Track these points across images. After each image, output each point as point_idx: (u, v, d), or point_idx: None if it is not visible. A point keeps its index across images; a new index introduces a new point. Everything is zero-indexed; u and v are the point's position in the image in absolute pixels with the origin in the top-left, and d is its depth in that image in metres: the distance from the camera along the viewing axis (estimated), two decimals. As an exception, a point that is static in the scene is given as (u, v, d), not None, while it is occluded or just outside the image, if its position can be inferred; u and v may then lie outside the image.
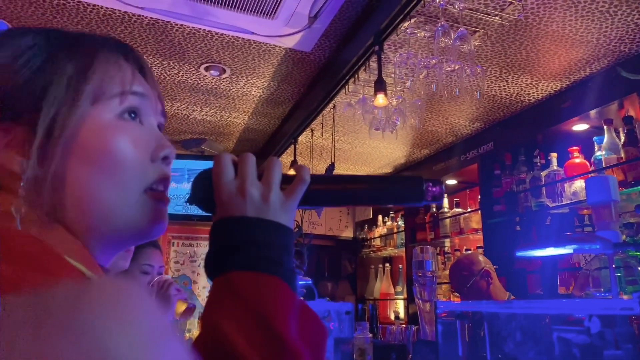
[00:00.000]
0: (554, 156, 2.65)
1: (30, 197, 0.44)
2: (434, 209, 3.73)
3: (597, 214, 0.96)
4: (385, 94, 1.95)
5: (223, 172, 0.52)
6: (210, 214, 0.55)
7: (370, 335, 1.32)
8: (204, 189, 0.53)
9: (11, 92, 0.45)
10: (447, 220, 3.53)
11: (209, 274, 0.50)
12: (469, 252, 2.46)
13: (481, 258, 2.25)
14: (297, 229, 2.58)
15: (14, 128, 0.45)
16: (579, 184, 2.45)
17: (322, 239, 4.75)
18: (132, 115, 0.50)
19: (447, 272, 3.51)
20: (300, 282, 2.09)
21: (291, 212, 0.52)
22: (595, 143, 2.42)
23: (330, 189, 0.57)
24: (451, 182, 3.74)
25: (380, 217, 4.55)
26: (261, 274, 0.47)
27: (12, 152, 0.45)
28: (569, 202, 2.51)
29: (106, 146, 0.47)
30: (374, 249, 4.57)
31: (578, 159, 2.52)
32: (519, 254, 0.88)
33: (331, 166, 2.61)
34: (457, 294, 2.23)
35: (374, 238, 4.56)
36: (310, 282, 2.05)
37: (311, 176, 0.54)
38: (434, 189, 0.55)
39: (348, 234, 4.94)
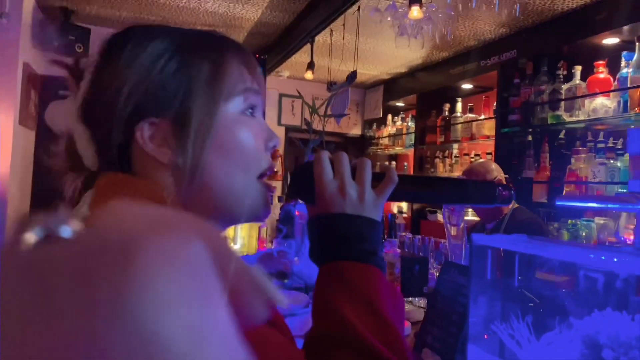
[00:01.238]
0: (578, 69, 2.62)
1: (174, 181, 0.51)
2: (447, 113, 3.75)
3: (634, 164, 1.03)
4: (421, 6, 1.88)
5: (324, 173, 0.59)
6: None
7: (399, 250, 1.46)
8: (306, 186, 0.60)
9: (154, 91, 0.51)
10: (459, 125, 3.58)
11: (315, 262, 0.60)
12: (483, 160, 2.54)
13: (494, 167, 2.31)
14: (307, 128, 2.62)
15: (158, 122, 0.51)
16: (600, 101, 2.47)
17: (331, 136, 4.82)
18: (250, 110, 0.56)
19: (454, 173, 3.66)
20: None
21: (381, 208, 0.61)
22: (623, 59, 2.39)
23: (413, 190, 0.65)
24: (467, 86, 3.71)
25: (389, 117, 4.58)
26: (364, 265, 0.57)
27: (159, 144, 0.51)
28: (586, 117, 2.54)
29: (236, 139, 0.54)
30: (382, 147, 4.67)
31: (602, 74, 2.50)
32: (559, 203, 0.96)
33: (353, 74, 2.57)
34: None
35: (382, 137, 4.64)
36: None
37: (401, 178, 0.61)
38: (504, 192, 0.62)
39: (356, 131, 5.00)
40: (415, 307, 1.67)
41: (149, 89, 0.51)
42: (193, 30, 0.57)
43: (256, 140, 0.56)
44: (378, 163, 4.82)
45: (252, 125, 0.56)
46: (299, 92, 2.52)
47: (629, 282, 0.88)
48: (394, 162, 4.59)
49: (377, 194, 0.60)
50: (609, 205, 0.85)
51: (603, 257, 0.89)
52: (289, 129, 4.72)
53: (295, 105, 4.67)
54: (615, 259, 0.87)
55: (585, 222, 2.72)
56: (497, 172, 2.28)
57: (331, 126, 4.94)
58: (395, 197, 0.62)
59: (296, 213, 2.30)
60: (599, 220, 2.50)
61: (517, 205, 2.33)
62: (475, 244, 1.17)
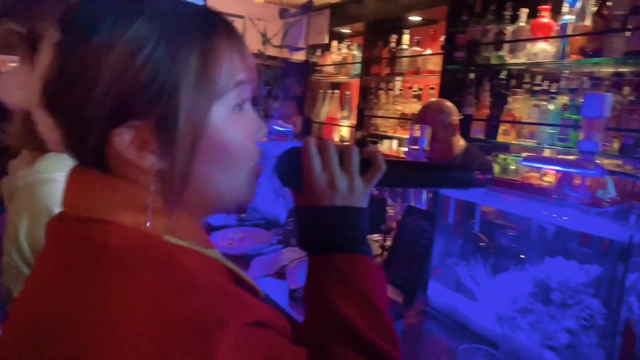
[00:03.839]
0: (523, 12, 2.70)
1: (158, 189, 0.47)
2: (393, 44, 3.75)
3: (587, 125, 1.14)
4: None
5: (313, 165, 0.58)
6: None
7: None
8: (294, 175, 0.60)
9: (137, 88, 0.44)
10: (405, 58, 3.61)
11: (307, 251, 0.61)
12: (439, 100, 2.55)
13: (452, 108, 2.35)
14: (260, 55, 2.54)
15: (140, 125, 0.45)
16: (541, 46, 2.60)
17: (272, 60, 4.66)
18: (239, 106, 0.52)
19: (397, 106, 3.76)
20: (279, 129, 2.19)
21: (368, 195, 0.62)
22: (567, 5, 2.49)
23: (399, 176, 0.66)
24: (415, 18, 3.70)
25: (335, 44, 4.49)
26: (355, 255, 0.58)
27: (140, 148, 0.46)
28: (527, 60, 2.67)
29: (226, 141, 0.50)
30: (326, 75, 4.62)
31: (545, 18, 2.60)
32: (523, 163, 1.05)
33: (309, 3, 2.46)
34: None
35: (327, 65, 4.57)
36: (291, 129, 2.16)
37: (388, 163, 0.62)
38: (481, 177, 0.66)
39: (300, 56, 4.87)
40: (371, 241, 1.79)
41: (128, 89, 0.43)
42: (178, 6, 0.48)
43: (246, 137, 0.53)
44: (321, 90, 4.79)
45: (242, 122, 0.52)
46: (252, 22, 2.38)
47: (576, 234, 1.02)
48: (337, 91, 4.58)
49: (365, 182, 0.60)
50: (570, 170, 0.96)
51: (555, 215, 1.01)
52: (229, 51, 4.49)
53: (237, 26, 4.41)
54: (565, 217, 0.99)
55: (514, 158, 2.97)
56: (454, 115, 2.33)
57: (274, 50, 4.77)
58: (380, 184, 0.64)
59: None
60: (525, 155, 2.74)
61: (466, 144, 2.43)
62: (439, 194, 1.26)
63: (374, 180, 0.61)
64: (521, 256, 1.10)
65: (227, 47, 0.49)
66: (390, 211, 1.81)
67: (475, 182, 0.66)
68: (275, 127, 2.15)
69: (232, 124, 0.50)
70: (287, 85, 5.20)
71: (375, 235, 1.75)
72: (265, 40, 2.26)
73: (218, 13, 0.50)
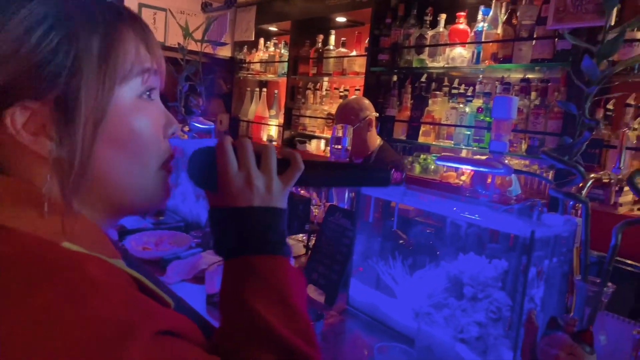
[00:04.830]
0: (442, 17, 2.83)
1: (56, 179, 0.44)
2: (320, 44, 3.77)
3: (496, 126, 1.20)
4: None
5: (229, 164, 0.56)
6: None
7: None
8: (208, 175, 0.57)
9: (30, 67, 0.42)
10: (332, 59, 3.64)
11: (222, 255, 0.58)
12: (357, 97, 2.64)
13: (368, 104, 2.46)
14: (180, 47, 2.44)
15: (37, 107, 0.43)
16: (458, 51, 2.73)
17: (197, 56, 4.51)
18: (147, 93, 0.51)
19: (324, 106, 3.78)
20: (201, 126, 2.11)
21: (287, 195, 0.61)
22: (481, 13, 2.64)
23: (317, 176, 0.66)
24: (341, 19, 3.75)
25: (262, 41, 4.43)
26: (273, 257, 0.57)
27: (36, 132, 0.43)
28: (445, 64, 2.80)
29: (132, 129, 0.48)
30: (253, 72, 4.55)
31: (462, 25, 2.74)
32: (438, 162, 1.08)
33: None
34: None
35: (254, 62, 4.51)
36: (213, 126, 2.09)
37: (305, 164, 0.62)
38: (396, 174, 0.73)
39: (226, 52, 4.76)
40: (295, 241, 1.78)
41: (22, 65, 0.42)
42: None
43: (155, 127, 0.52)
44: (248, 89, 4.71)
45: (150, 111, 0.51)
46: (172, 15, 2.28)
47: (486, 231, 1.06)
48: (265, 89, 4.53)
49: (283, 182, 0.59)
50: (480, 169, 1.00)
51: (466, 214, 1.04)
52: (150, 45, 4.28)
53: (158, 18, 4.22)
54: (476, 216, 1.03)
55: (434, 158, 3.10)
56: (369, 110, 2.43)
57: (197, 46, 4.62)
58: (298, 183, 0.63)
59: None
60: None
61: (381, 142, 2.53)
62: (361, 193, 1.27)
63: (292, 179, 0.60)
64: (437, 253, 1.13)
65: (132, 34, 0.48)
66: (316, 211, 1.80)
67: (391, 180, 0.69)
68: (196, 125, 2.06)
69: (139, 111, 0.49)
70: (213, 82, 5.06)
71: (300, 235, 1.74)
72: (187, 34, 2.17)
73: (124, 6, 0.50)
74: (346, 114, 2.38)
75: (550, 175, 2.17)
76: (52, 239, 0.41)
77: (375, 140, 2.48)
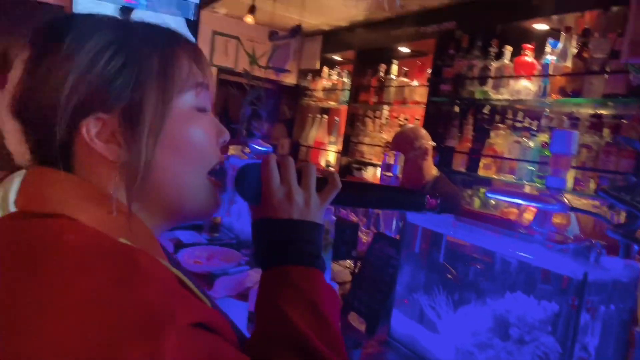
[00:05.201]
0: (508, 49, 2.77)
1: (123, 181, 0.50)
2: (382, 73, 3.81)
3: (554, 161, 1.15)
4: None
5: (272, 178, 0.61)
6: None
7: (334, 217, 1.53)
8: (253, 188, 0.62)
9: (100, 85, 0.48)
10: (393, 88, 3.66)
11: (261, 263, 0.62)
12: (413, 125, 2.63)
13: (424, 134, 2.42)
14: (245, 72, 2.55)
15: (106, 118, 0.49)
16: (523, 83, 2.65)
17: (264, 82, 4.71)
18: (201, 109, 0.56)
19: (383, 134, 3.79)
20: (259, 148, 2.19)
21: (324, 212, 0.64)
22: (548, 45, 2.55)
23: (353, 195, 0.69)
24: (404, 49, 3.77)
25: (326, 70, 4.55)
26: (309, 268, 0.60)
27: (107, 140, 0.49)
28: (510, 97, 2.72)
29: (188, 136, 0.54)
30: (315, 99, 4.66)
31: (528, 57, 2.66)
32: (489, 195, 1.06)
33: (297, 27, 2.50)
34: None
35: (317, 90, 4.62)
36: (271, 149, 2.16)
37: (342, 183, 0.65)
38: (432, 200, 0.69)
39: (291, 80, 4.92)
40: (342, 267, 1.77)
41: (94, 83, 0.48)
42: (139, 23, 0.54)
43: (208, 136, 0.56)
44: (310, 115, 4.82)
45: (204, 121, 0.56)
46: (240, 42, 2.41)
47: (538, 270, 1.01)
48: (325, 116, 4.62)
49: (321, 199, 0.63)
50: (532, 203, 0.96)
51: (518, 252, 1.00)
52: (221, 70, 4.53)
53: (230, 45, 4.46)
54: (526, 254, 0.98)
55: (494, 192, 2.99)
56: (425, 140, 2.39)
57: (261, 72, 4.84)
58: (336, 202, 0.66)
59: (229, 165, 2.27)
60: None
61: (439, 173, 2.47)
62: (408, 222, 1.25)
63: (329, 197, 0.64)
64: (483, 289, 1.08)
65: (186, 55, 0.54)
66: (364, 238, 1.79)
67: (426, 205, 0.69)
68: (255, 147, 2.14)
69: (194, 120, 0.54)
70: (277, 107, 5.24)
71: (348, 261, 1.73)
72: (253, 61, 2.28)
73: (179, 32, 0.56)
74: (401, 142, 2.36)
75: (623, 218, 2.02)
76: (110, 234, 0.46)
77: (431, 170, 2.43)
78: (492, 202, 2.92)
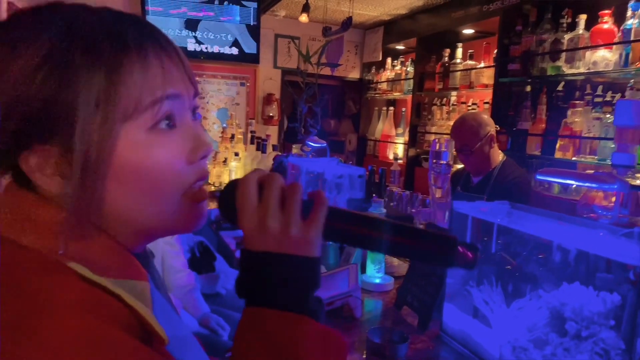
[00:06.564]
0: (582, 18, 2.52)
1: (70, 214, 0.44)
2: (446, 58, 3.65)
3: (619, 135, 1.02)
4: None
5: (247, 200, 0.50)
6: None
7: (385, 210, 1.49)
8: (231, 210, 0.51)
9: (34, 113, 0.43)
10: (458, 72, 3.50)
11: (240, 298, 0.52)
12: (475, 112, 2.46)
13: (487, 119, 2.25)
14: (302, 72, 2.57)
15: (47, 149, 0.44)
16: (601, 53, 2.40)
17: (328, 79, 4.72)
18: (166, 122, 0.48)
19: (450, 122, 3.63)
20: (314, 145, 2.19)
21: (314, 241, 0.50)
22: (630, 9, 2.29)
23: (354, 231, 0.52)
24: (468, 31, 3.59)
25: (389, 61, 4.46)
26: (287, 314, 0.48)
27: (50, 172, 0.44)
28: (586, 70, 2.48)
29: (142, 165, 0.46)
30: (380, 92, 4.59)
31: (607, 24, 2.40)
32: (539, 177, 0.96)
33: (348, 20, 2.47)
34: (459, 152, 2.31)
35: (381, 82, 4.54)
36: (325, 144, 2.15)
37: (334, 212, 0.52)
38: (468, 253, 0.49)
39: (354, 74, 4.89)
40: (403, 261, 1.72)
41: (27, 111, 0.42)
42: (89, 19, 0.45)
43: (172, 158, 0.48)
44: (376, 108, 4.76)
45: (165, 143, 0.47)
46: (293, 41, 2.43)
47: (598, 258, 0.90)
48: (392, 108, 4.53)
49: (307, 225, 0.50)
50: (586, 184, 0.86)
51: (573, 240, 0.90)
52: (285, 72, 4.62)
53: (292, 46, 4.53)
54: (585, 241, 0.89)
55: (576, 175, 2.74)
56: (489, 126, 2.23)
57: (328, 69, 4.84)
58: (332, 237, 0.53)
59: (289, 164, 2.30)
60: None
61: (504, 157, 2.29)
62: (456, 211, 1.19)
63: (317, 220, 0.50)
64: (539, 281, 1.00)
65: (141, 62, 0.45)
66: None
67: (456, 258, 0.49)
68: (311, 144, 2.15)
69: (153, 145, 0.46)
70: (342, 103, 5.22)
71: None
72: (306, 59, 2.29)
73: (135, 21, 0.47)
74: (464, 133, 2.20)
75: None
76: (58, 258, 0.42)
77: (497, 156, 2.26)
78: (573, 186, 2.68)
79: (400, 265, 1.70)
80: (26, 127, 0.43)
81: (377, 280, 1.51)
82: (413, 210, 1.65)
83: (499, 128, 2.30)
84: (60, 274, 0.41)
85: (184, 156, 0.49)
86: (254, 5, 4.04)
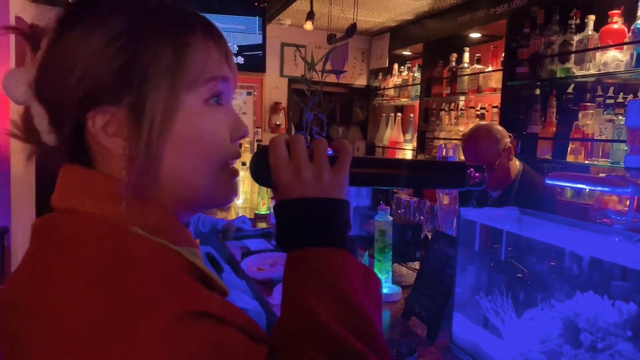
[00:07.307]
0: (591, 19, 2.48)
1: (130, 177, 0.49)
2: (453, 63, 3.62)
3: (632, 137, 0.99)
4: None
5: (279, 158, 0.57)
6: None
7: (391, 218, 1.45)
8: (264, 172, 0.58)
9: (108, 77, 0.48)
10: (466, 77, 3.46)
11: (283, 248, 0.57)
12: (486, 124, 2.29)
13: (502, 130, 2.09)
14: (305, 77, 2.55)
15: (114, 111, 0.48)
16: (612, 54, 2.35)
17: (335, 86, 4.70)
18: (216, 99, 0.54)
19: (459, 127, 3.59)
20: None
21: (343, 185, 0.57)
22: (640, 8, 2.24)
23: (376, 171, 0.60)
24: (475, 35, 3.56)
25: (396, 66, 4.44)
26: (331, 249, 0.54)
27: (113, 133, 0.49)
28: (596, 71, 2.43)
29: (197, 132, 0.52)
30: (387, 98, 4.57)
31: (616, 24, 2.36)
32: (549, 182, 0.93)
33: (352, 27, 2.46)
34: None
35: (388, 88, 4.52)
36: (331, 152, 2.13)
37: (358, 159, 0.59)
38: (476, 174, 0.57)
39: (361, 81, 4.87)
40: (411, 270, 1.68)
41: (102, 75, 0.47)
42: (158, 6, 0.52)
43: (219, 131, 0.54)
44: (383, 114, 4.73)
45: (215, 115, 0.53)
46: (298, 49, 2.42)
47: (612, 265, 0.86)
48: (399, 114, 4.50)
49: (335, 171, 0.57)
50: (598, 188, 0.82)
51: (587, 246, 0.87)
52: (291, 80, 4.61)
53: (298, 54, 4.53)
54: (597, 248, 0.85)
55: (589, 179, 2.68)
56: (505, 137, 2.07)
57: (335, 76, 4.83)
58: (357, 182, 0.60)
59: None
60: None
61: (521, 166, 2.16)
62: (463, 218, 1.15)
63: (343, 167, 0.57)
64: (550, 290, 0.96)
65: (202, 46, 0.51)
66: (429, 235, 1.69)
67: (468, 180, 0.58)
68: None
69: (206, 115, 0.52)
70: (349, 111, 5.20)
71: (411, 263, 1.65)
72: (310, 67, 2.28)
73: (200, 17, 0.53)
74: (483, 150, 2.01)
75: None
76: (122, 224, 0.47)
77: (515, 166, 2.12)
78: (586, 190, 2.62)
79: (409, 275, 1.66)
80: (100, 86, 0.47)
81: (385, 290, 1.48)
82: (421, 218, 1.61)
83: (512, 137, 2.17)
84: (129, 235, 0.46)
85: (228, 134, 0.55)
86: (260, 15, 4.05)
